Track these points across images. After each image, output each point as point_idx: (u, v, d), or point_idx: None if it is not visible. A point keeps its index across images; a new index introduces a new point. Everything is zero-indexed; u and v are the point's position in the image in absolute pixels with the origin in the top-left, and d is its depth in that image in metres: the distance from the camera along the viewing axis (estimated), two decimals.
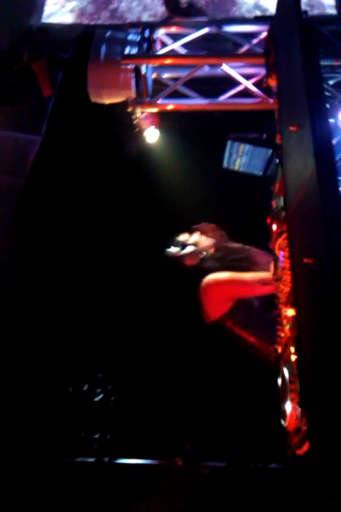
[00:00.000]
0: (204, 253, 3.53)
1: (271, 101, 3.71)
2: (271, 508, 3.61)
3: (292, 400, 2.27)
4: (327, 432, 1.86)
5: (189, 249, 3.55)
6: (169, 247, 3.58)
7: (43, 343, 4.20)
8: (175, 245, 3.58)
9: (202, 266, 3.46)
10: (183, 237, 3.62)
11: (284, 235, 2.60)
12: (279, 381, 2.44)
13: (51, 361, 4.23)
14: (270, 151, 4.13)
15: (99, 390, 4.30)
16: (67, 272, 4.57)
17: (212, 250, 3.54)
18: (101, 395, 4.28)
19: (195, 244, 3.58)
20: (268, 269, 3.15)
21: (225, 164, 4.46)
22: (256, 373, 3.81)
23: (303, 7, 3.53)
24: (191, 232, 3.63)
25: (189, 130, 4.79)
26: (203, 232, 3.63)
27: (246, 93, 3.91)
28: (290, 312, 2.36)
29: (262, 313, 3.20)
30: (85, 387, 4.31)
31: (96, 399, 4.28)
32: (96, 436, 4.09)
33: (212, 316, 3.32)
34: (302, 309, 2.17)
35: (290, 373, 2.33)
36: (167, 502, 3.61)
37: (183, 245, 3.56)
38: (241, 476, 3.79)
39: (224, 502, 3.64)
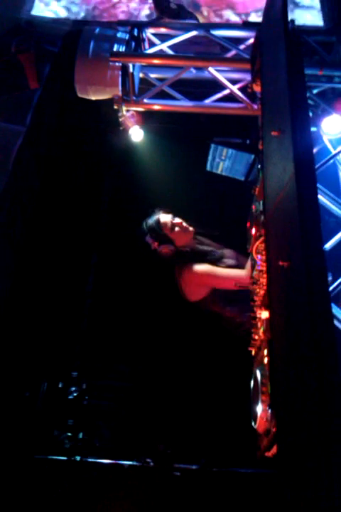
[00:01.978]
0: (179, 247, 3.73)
1: (256, 107, 3.75)
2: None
3: (263, 402, 2.28)
4: (294, 434, 1.88)
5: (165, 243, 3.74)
6: (148, 229, 3.77)
7: (20, 339, 4.17)
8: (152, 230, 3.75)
9: (176, 256, 3.71)
10: (164, 219, 3.77)
11: (262, 239, 2.62)
12: (251, 383, 2.46)
13: (27, 358, 4.20)
14: (252, 157, 4.17)
15: (73, 389, 4.28)
16: (45, 266, 4.55)
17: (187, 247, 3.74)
18: (75, 394, 4.26)
19: (171, 239, 3.73)
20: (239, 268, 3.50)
21: (208, 167, 4.48)
22: (232, 376, 3.84)
23: (291, 16, 3.60)
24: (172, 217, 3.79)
25: (174, 131, 4.80)
26: (181, 228, 3.76)
27: (231, 98, 3.94)
28: (265, 314, 2.38)
29: (239, 290, 3.36)
30: (60, 385, 4.29)
31: (70, 397, 4.26)
32: (69, 434, 4.07)
33: (191, 298, 3.64)
34: (276, 312, 2.19)
35: (262, 375, 2.35)
36: (137, 503, 3.61)
37: (160, 237, 3.72)
38: (212, 480, 3.80)
39: (195, 505, 3.65)
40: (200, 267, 3.57)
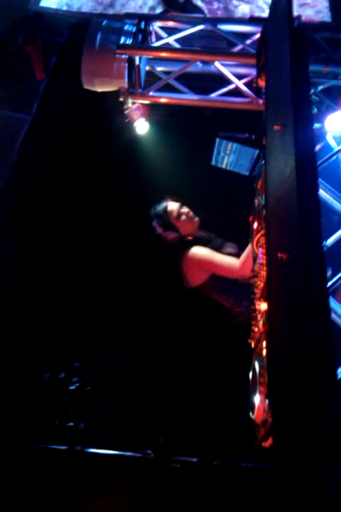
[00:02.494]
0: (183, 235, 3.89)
1: (261, 102, 3.76)
2: (240, 506, 3.65)
3: (261, 393, 2.32)
4: (289, 426, 1.90)
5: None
6: (155, 215, 3.95)
7: (23, 329, 4.20)
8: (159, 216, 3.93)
9: (180, 242, 3.86)
10: (172, 207, 3.94)
11: (263, 232, 2.65)
12: (250, 374, 2.49)
13: (29, 348, 4.23)
14: (257, 152, 4.18)
15: (75, 379, 4.31)
16: (49, 257, 4.58)
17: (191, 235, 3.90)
18: (77, 384, 4.29)
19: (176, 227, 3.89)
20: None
21: (213, 161, 4.50)
22: (232, 368, 3.87)
23: (298, 12, 3.61)
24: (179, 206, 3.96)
25: (179, 125, 4.82)
26: (187, 217, 3.93)
27: (237, 92, 3.96)
28: (264, 306, 2.41)
29: (238, 280, 3.56)
30: (62, 375, 4.32)
31: (72, 387, 4.29)
32: (70, 424, 4.11)
33: (191, 283, 3.78)
34: (275, 304, 2.22)
35: (260, 367, 2.38)
36: (137, 494, 3.63)
37: (166, 223, 3.89)
38: (213, 473, 3.83)
39: (195, 497, 3.67)
40: (200, 250, 3.73)
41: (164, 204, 3.97)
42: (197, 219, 3.95)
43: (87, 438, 4.01)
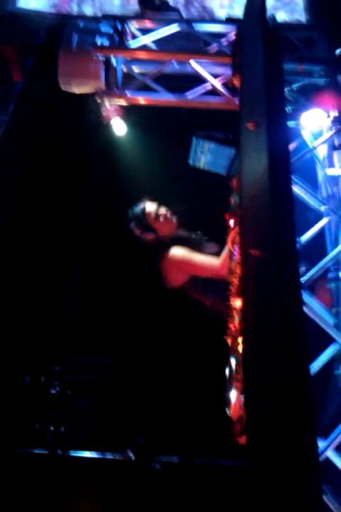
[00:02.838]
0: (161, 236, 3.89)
1: (236, 101, 3.77)
2: (221, 505, 3.66)
3: (236, 389, 2.34)
4: (262, 423, 1.92)
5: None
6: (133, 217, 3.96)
7: (2, 334, 4.18)
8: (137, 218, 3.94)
9: (158, 244, 3.87)
10: (149, 208, 3.95)
11: (238, 230, 2.67)
12: (226, 371, 2.51)
13: (9, 352, 4.21)
14: (233, 151, 4.20)
15: (55, 383, 4.29)
16: (28, 260, 4.55)
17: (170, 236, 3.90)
18: (58, 388, 4.28)
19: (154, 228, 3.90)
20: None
21: (191, 161, 4.50)
22: (210, 365, 3.88)
23: (273, 12, 3.64)
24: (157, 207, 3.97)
25: (157, 125, 4.82)
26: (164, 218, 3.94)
27: (213, 92, 3.97)
28: (239, 303, 2.43)
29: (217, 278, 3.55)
30: (42, 379, 4.30)
31: (53, 391, 4.27)
32: (51, 428, 4.09)
33: (172, 283, 3.78)
34: (249, 301, 2.24)
35: (236, 363, 2.40)
36: (118, 495, 3.63)
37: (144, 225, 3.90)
38: (193, 472, 3.84)
39: (176, 497, 3.68)
40: (179, 252, 3.73)
41: (142, 205, 3.97)
42: (175, 219, 3.95)
43: (68, 441, 4.00)
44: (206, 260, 3.64)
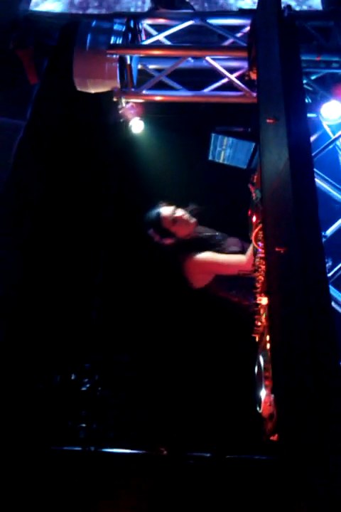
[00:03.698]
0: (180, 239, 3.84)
1: (254, 94, 3.73)
2: (254, 499, 3.65)
3: (266, 387, 2.31)
4: (294, 422, 1.89)
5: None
6: (150, 223, 3.90)
7: (32, 334, 4.22)
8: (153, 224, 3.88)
9: (178, 247, 3.82)
10: (165, 213, 3.88)
11: (261, 226, 2.63)
12: (255, 369, 2.49)
13: (39, 351, 4.24)
14: (253, 145, 4.15)
15: (86, 380, 4.32)
16: (55, 262, 4.58)
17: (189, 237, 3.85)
18: (88, 385, 4.30)
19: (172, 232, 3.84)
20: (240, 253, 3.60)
21: (210, 157, 4.46)
22: (244, 362, 3.85)
23: (288, 1, 3.58)
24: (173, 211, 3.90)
25: (174, 122, 4.80)
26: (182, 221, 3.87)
27: (230, 86, 3.93)
28: (265, 301, 2.40)
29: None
30: (73, 377, 4.34)
31: (83, 388, 4.30)
32: (83, 425, 4.12)
33: (196, 285, 3.74)
34: (275, 298, 2.21)
35: (265, 361, 2.37)
36: (151, 491, 3.64)
37: (161, 230, 3.84)
38: (226, 467, 3.83)
39: (208, 492, 3.68)
40: (202, 255, 3.68)
41: (157, 211, 3.92)
42: (193, 220, 3.90)
43: (101, 438, 4.03)
44: (232, 259, 3.60)
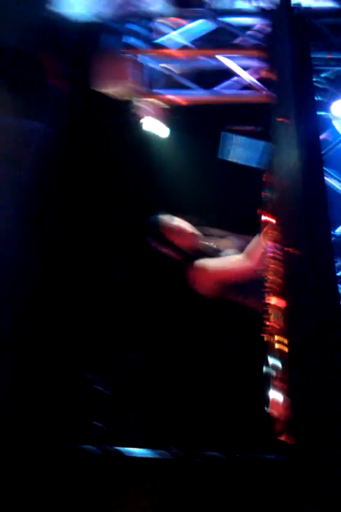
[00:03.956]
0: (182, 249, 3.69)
1: (268, 93, 3.72)
2: (266, 500, 3.65)
3: (276, 388, 2.31)
4: (304, 421, 1.89)
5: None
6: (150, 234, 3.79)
7: (49, 333, 4.25)
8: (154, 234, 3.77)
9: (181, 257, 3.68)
10: (166, 224, 3.76)
11: (271, 225, 2.63)
12: (264, 369, 2.49)
13: (58, 349, 4.28)
14: (265, 143, 4.13)
15: (102, 380, 4.34)
16: (74, 260, 4.61)
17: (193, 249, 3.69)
18: (104, 385, 4.33)
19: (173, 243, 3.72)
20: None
21: (221, 155, 4.45)
22: (254, 363, 3.85)
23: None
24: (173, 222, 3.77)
25: (186, 120, 4.80)
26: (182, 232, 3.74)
27: (246, 86, 3.92)
28: (275, 301, 2.40)
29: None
30: (89, 376, 4.36)
31: (100, 388, 4.33)
32: (99, 424, 4.15)
33: (205, 292, 3.58)
34: (286, 298, 2.21)
35: (274, 361, 2.38)
36: (164, 491, 3.66)
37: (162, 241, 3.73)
38: (237, 467, 3.83)
39: (219, 492, 3.68)
40: (208, 265, 3.56)
41: (157, 221, 3.81)
42: (193, 231, 3.75)
43: (116, 437, 4.06)
44: (237, 265, 3.46)
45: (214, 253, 3.64)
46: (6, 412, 3.72)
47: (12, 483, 3.56)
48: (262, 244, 2.84)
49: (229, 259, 3.53)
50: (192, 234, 3.73)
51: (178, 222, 3.75)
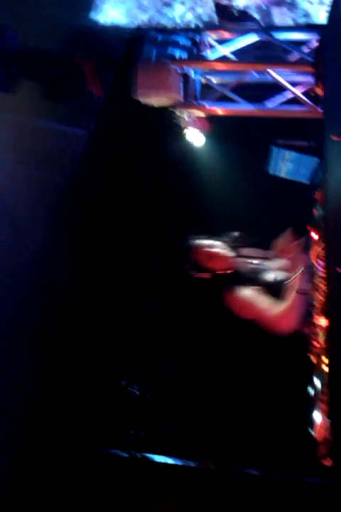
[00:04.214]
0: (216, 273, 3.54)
1: (319, 110, 3.67)
2: None
3: (321, 410, 2.27)
4: None
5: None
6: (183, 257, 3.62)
7: (82, 337, 4.29)
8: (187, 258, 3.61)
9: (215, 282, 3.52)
10: (199, 248, 3.60)
11: (323, 245, 2.59)
12: (310, 390, 2.45)
13: (91, 354, 4.31)
14: (317, 160, 4.07)
15: (135, 387, 4.35)
16: (109, 266, 4.65)
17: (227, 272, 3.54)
18: (138, 392, 4.33)
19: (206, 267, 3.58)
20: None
21: (271, 171, 4.41)
22: (299, 382, 3.79)
23: None
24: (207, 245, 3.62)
25: (235, 135, 4.78)
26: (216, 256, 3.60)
27: (294, 100, 3.88)
28: (324, 322, 2.36)
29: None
30: (122, 383, 4.38)
31: (132, 395, 4.33)
32: (130, 431, 4.15)
33: (246, 317, 3.34)
34: (335, 320, 2.16)
35: (321, 383, 2.33)
36: (195, 503, 3.63)
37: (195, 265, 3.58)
38: (273, 486, 3.77)
39: (251, 509, 3.63)
40: (242, 293, 3.35)
41: (190, 244, 3.65)
42: (229, 253, 3.58)
43: (147, 446, 4.05)
44: (271, 309, 3.18)
45: (255, 274, 3.43)
46: (38, 413, 3.76)
47: (40, 485, 3.60)
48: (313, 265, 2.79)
49: (263, 301, 3.27)
50: (225, 256, 3.56)
51: (210, 243, 3.59)
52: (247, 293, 3.31)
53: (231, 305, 3.35)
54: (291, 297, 3.02)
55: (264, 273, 3.40)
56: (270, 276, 3.36)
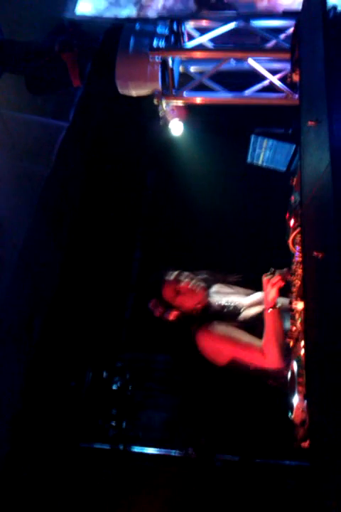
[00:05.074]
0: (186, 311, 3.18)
1: (296, 96, 3.70)
2: (282, 504, 3.62)
3: (299, 393, 2.29)
4: (326, 427, 1.87)
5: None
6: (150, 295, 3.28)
7: (66, 331, 4.28)
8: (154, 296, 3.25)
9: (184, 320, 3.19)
10: (167, 284, 3.21)
11: (299, 230, 2.61)
12: (288, 374, 2.47)
13: (73, 349, 4.31)
14: (294, 147, 4.10)
15: (117, 379, 4.35)
16: (91, 260, 4.65)
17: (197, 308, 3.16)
18: (119, 384, 4.34)
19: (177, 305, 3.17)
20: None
21: (249, 159, 4.44)
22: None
23: (334, 2, 3.53)
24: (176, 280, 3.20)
25: (213, 123, 4.80)
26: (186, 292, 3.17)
27: (272, 88, 3.91)
28: (301, 306, 2.38)
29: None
30: (104, 375, 4.38)
31: (114, 387, 4.34)
32: (113, 423, 4.16)
33: (218, 363, 3.03)
34: (311, 303, 2.18)
35: (298, 367, 2.35)
36: (179, 492, 3.66)
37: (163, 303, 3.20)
38: (253, 471, 3.81)
39: (234, 495, 3.67)
40: (215, 329, 2.98)
41: (157, 282, 3.23)
42: (200, 289, 3.15)
43: (130, 437, 4.06)
44: (250, 344, 2.87)
45: (231, 314, 3.07)
46: (20, 410, 3.74)
47: (24, 481, 3.60)
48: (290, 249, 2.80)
49: (250, 339, 2.89)
50: (201, 292, 3.18)
51: (186, 279, 3.20)
52: (220, 329, 2.97)
53: (204, 347, 3.02)
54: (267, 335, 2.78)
55: (239, 308, 3.09)
56: (246, 311, 3.07)
